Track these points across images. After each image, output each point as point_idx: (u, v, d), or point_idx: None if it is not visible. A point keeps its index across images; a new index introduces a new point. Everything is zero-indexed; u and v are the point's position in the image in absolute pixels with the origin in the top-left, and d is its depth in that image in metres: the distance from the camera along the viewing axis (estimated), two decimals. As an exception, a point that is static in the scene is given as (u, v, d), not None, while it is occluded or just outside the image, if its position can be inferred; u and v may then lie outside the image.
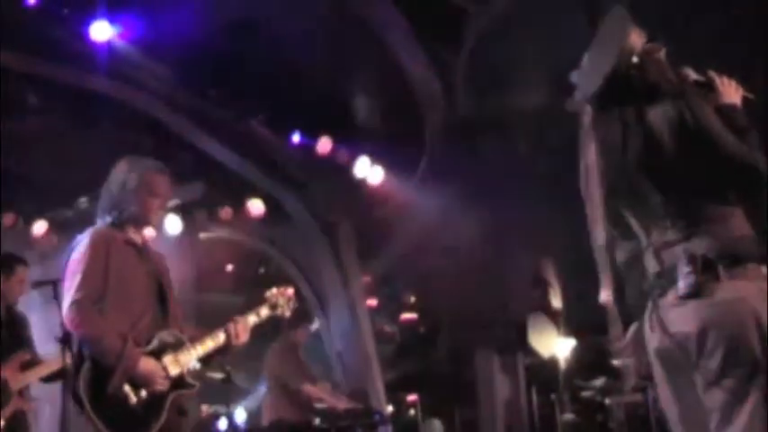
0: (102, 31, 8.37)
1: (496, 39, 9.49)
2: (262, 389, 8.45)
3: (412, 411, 10.85)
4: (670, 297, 3.29)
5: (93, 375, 4.27)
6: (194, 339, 4.63)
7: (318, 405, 8.17)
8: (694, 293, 3.20)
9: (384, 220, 10.70)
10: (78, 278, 4.36)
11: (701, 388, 3.22)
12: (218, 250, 11.72)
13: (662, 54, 3.45)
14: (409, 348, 12.85)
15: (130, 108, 9.61)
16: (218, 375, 8.24)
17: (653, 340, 3.36)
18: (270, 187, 10.81)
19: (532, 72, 9.11)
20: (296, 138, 10.32)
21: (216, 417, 9.50)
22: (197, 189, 11.18)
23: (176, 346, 4.54)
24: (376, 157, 10.68)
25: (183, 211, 11.25)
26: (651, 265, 3.38)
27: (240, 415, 10.51)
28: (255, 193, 10.70)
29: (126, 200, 4.61)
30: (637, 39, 3.40)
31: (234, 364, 8.77)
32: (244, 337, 4.76)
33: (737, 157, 3.24)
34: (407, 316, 13.81)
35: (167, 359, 4.46)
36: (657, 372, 3.39)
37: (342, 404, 8.46)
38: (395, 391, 11.22)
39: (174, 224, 11.25)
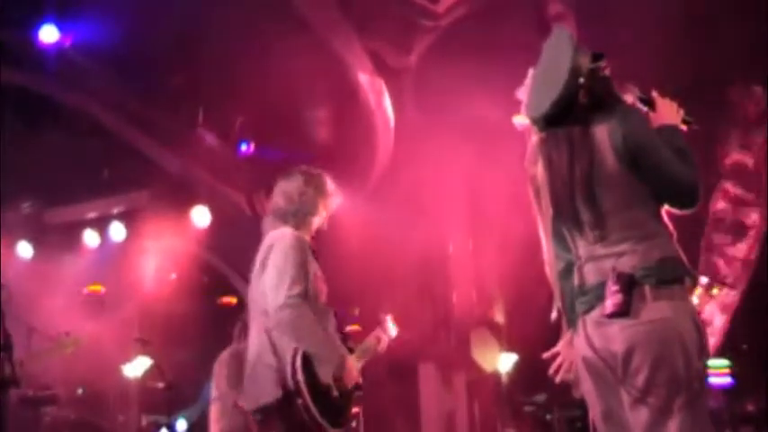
0: (50, 34, 8.30)
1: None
2: (204, 399, 8.36)
3: (354, 424, 10.83)
4: (596, 313, 3.36)
5: (307, 369, 4.58)
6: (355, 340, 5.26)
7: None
8: (620, 313, 3.27)
9: (329, 231, 10.67)
10: (289, 278, 4.63)
11: (627, 405, 3.30)
12: (162, 258, 11.62)
13: (607, 71, 3.51)
14: (353, 361, 12.82)
15: (77, 114, 9.52)
16: (160, 384, 8.17)
17: (581, 350, 3.43)
18: (216, 196, 10.75)
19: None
20: (244, 147, 10.29)
21: (156, 426, 9.40)
22: (143, 196, 11.10)
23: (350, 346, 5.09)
24: (323, 169, 10.67)
25: (128, 218, 11.16)
26: (576, 278, 3.46)
27: (181, 425, 10.41)
28: (201, 201, 10.63)
29: (307, 205, 5.02)
30: (582, 59, 3.45)
31: (176, 373, 8.72)
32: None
33: (677, 176, 3.33)
34: (352, 328, 13.78)
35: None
36: (585, 380, 3.46)
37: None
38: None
39: (118, 231, 11.16)
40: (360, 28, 9.49)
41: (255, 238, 11.42)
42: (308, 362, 4.60)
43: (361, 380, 4.89)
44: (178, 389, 8.33)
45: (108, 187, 11.00)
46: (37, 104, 9.20)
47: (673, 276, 3.32)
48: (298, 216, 4.98)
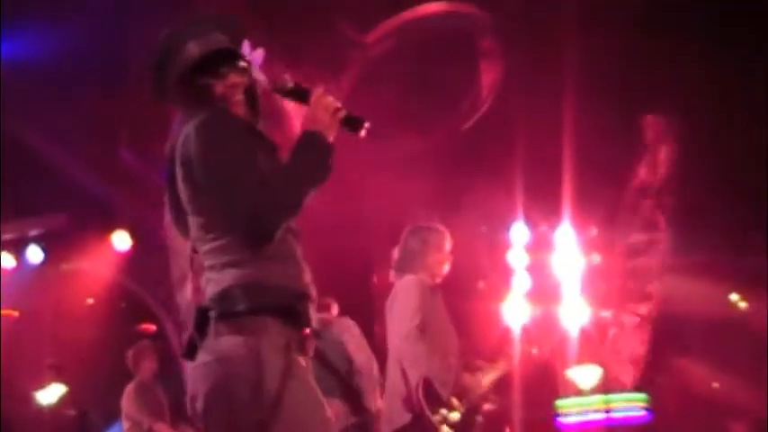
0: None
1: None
2: (117, 428, 8.20)
3: None
4: None
5: None
6: None
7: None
8: (186, 352, 2.93)
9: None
10: None
11: None
12: (80, 282, 11.40)
13: (244, 65, 3.16)
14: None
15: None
16: (72, 412, 7.99)
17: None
18: (138, 221, 10.58)
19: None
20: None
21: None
22: (62, 219, 10.87)
23: None
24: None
25: (46, 240, 10.92)
26: None
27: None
28: (122, 225, 10.45)
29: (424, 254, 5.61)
30: (191, 49, 3.11)
31: (90, 400, 8.53)
32: None
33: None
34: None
35: None
36: None
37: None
38: None
39: (35, 254, 10.91)
40: (291, 53, 9.44)
41: (177, 264, 11.22)
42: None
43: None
44: (91, 416, 8.14)
45: (26, 208, 10.75)
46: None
47: (240, 307, 2.84)
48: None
